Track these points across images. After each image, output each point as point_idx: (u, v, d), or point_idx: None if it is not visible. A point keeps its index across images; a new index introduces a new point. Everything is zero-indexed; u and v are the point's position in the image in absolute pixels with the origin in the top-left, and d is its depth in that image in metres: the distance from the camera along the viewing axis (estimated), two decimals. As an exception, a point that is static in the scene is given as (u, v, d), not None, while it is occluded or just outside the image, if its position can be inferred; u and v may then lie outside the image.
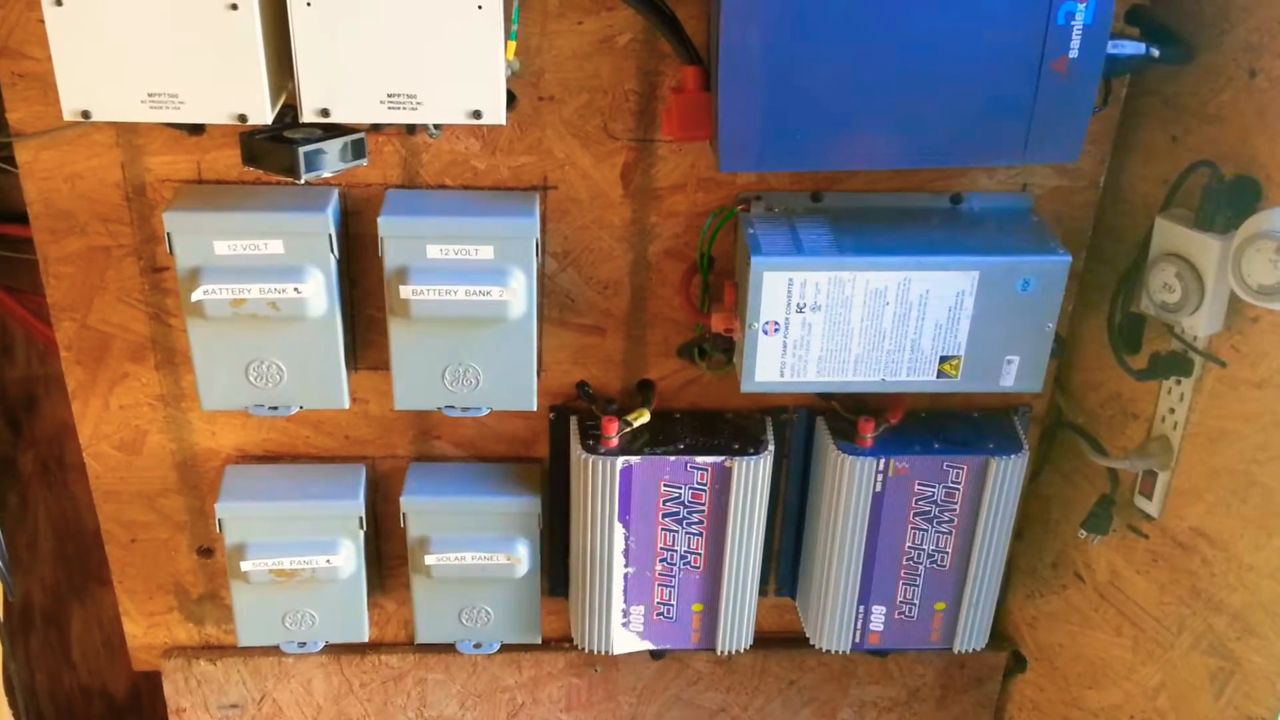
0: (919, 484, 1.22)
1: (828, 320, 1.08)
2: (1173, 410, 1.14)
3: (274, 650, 1.38)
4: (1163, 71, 1.10)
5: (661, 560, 1.26)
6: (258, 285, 1.06)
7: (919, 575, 1.28)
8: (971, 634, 1.31)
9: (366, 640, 1.34)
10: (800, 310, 1.08)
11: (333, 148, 1.02)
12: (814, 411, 1.27)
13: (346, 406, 1.16)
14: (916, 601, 1.29)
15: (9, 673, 1.37)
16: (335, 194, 1.11)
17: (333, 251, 1.08)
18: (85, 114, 0.93)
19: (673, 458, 1.20)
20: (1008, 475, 1.21)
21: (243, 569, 1.23)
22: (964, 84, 0.98)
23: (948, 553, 1.26)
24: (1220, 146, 1.05)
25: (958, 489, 1.23)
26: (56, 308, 1.18)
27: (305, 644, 1.33)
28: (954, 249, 1.09)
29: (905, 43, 0.96)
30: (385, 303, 1.10)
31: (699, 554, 1.26)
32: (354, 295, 1.18)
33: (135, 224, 1.14)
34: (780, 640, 1.46)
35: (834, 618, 1.29)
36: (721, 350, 1.18)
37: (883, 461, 1.21)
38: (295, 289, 1.07)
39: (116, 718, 1.82)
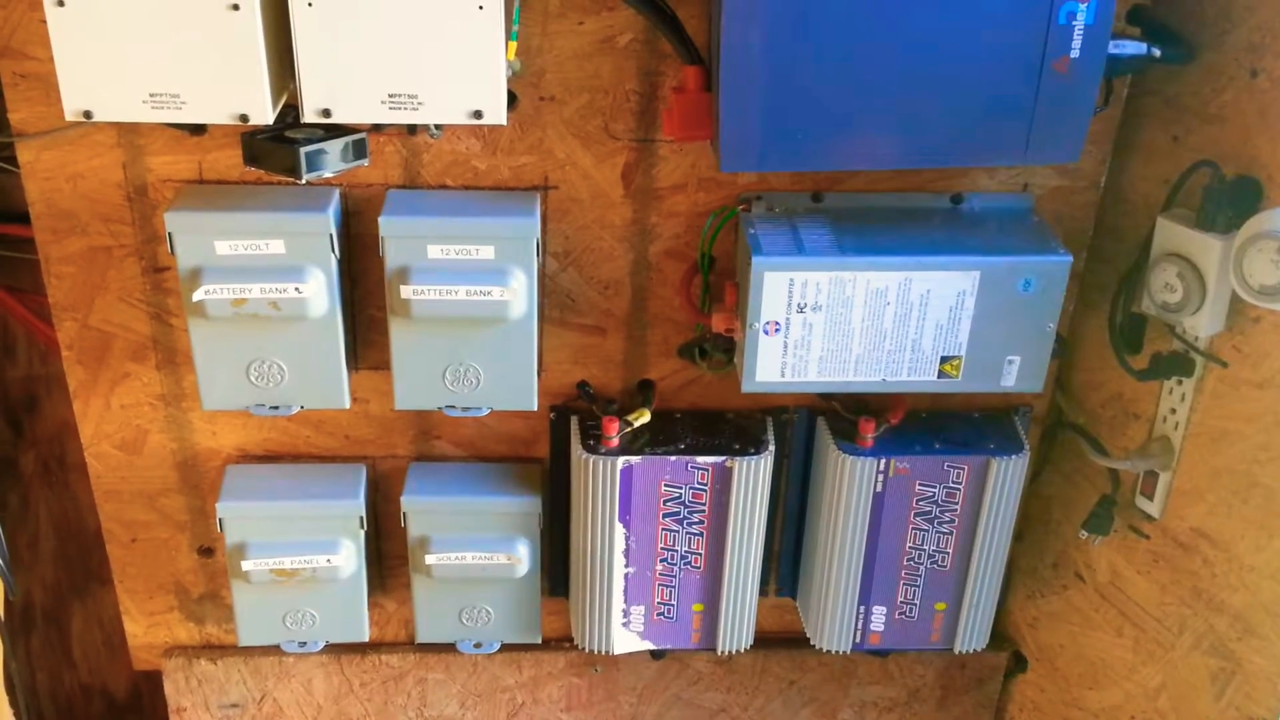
0: (920, 484, 1.22)
1: (828, 320, 1.08)
2: (1174, 410, 1.14)
3: (274, 650, 1.38)
4: (1164, 71, 1.10)
5: (662, 560, 1.26)
6: (259, 285, 1.06)
7: (920, 575, 1.28)
8: (972, 634, 1.31)
9: (367, 640, 1.34)
10: (801, 310, 1.08)
11: (334, 148, 1.02)
12: (815, 412, 1.27)
13: (347, 406, 1.16)
14: (917, 602, 1.29)
15: (10, 672, 1.37)
16: (336, 194, 1.11)
17: (334, 251, 1.08)
18: (87, 114, 0.93)
19: (673, 458, 1.20)
20: (1008, 475, 1.21)
21: (243, 568, 1.23)
22: (965, 84, 0.98)
23: (948, 553, 1.26)
24: (1222, 146, 1.05)
25: (958, 489, 1.23)
26: (58, 307, 1.18)
27: (306, 643, 1.33)
28: (955, 249, 1.09)
29: (906, 43, 0.96)
30: (386, 302, 1.10)
31: (699, 554, 1.26)
32: (355, 295, 1.18)
33: (137, 224, 1.14)
34: (781, 640, 1.46)
35: (834, 618, 1.29)
36: (722, 350, 1.18)
37: (883, 462, 1.21)
38: (296, 289, 1.07)
39: (117, 717, 1.82)
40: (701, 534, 1.25)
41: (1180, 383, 1.13)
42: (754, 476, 1.21)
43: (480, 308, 1.08)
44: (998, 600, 1.31)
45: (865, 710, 1.53)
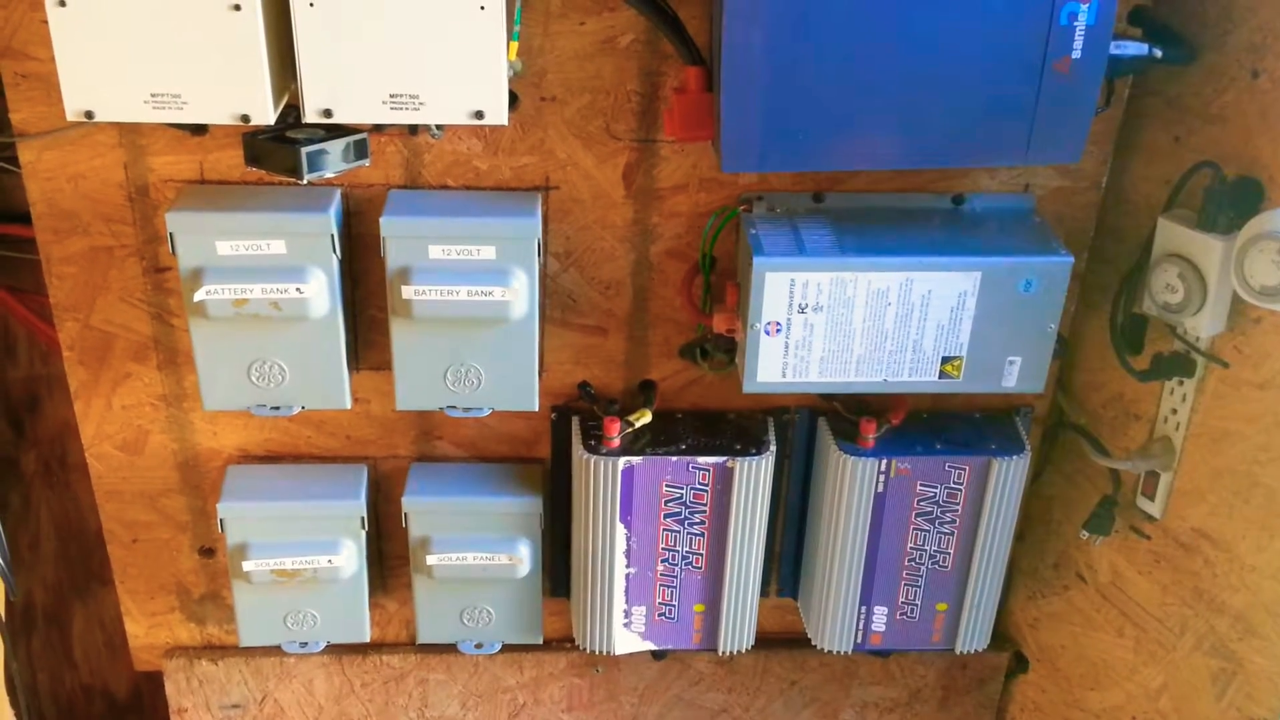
0: (921, 484, 1.22)
1: (830, 321, 1.08)
2: (1175, 411, 1.14)
3: (275, 650, 1.38)
4: (1165, 72, 1.10)
5: (663, 560, 1.26)
6: (260, 285, 1.06)
7: (921, 576, 1.28)
8: (973, 635, 1.31)
9: (368, 640, 1.34)
10: (802, 311, 1.08)
11: (335, 148, 1.02)
12: (816, 412, 1.27)
13: (348, 407, 1.16)
14: (918, 602, 1.29)
15: (11, 672, 1.37)
16: (337, 194, 1.11)
17: (335, 252, 1.08)
18: (88, 114, 0.93)
19: (674, 458, 1.20)
20: (1010, 476, 1.21)
21: (244, 569, 1.23)
22: (966, 85, 0.98)
23: (949, 553, 1.26)
24: (1223, 147, 1.05)
25: (959, 490, 1.23)
26: (59, 308, 1.18)
27: (307, 644, 1.33)
28: (956, 249, 1.09)
29: (907, 43, 0.96)
30: (387, 303, 1.10)
31: (701, 554, 1.26)
32: (356, 295, 1.18)
33: (138, 224, 1.14)
34: (782, 641, 1.46)
35: (836, 618, 1.29)
36: (723, 351, 1.18)
37: (884, 462, 1.21)
38: (297, 289, 1.07)
39: (118, 718, 1.82)
40: (703, 534, 1.25)
41: (1181, 383, 1.13)
42: (755, 477, 1.21)
43: (481, 308, 1.08)
44: (999, 601, 1.31)
45: (866, 711, 1.53)
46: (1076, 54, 0.96)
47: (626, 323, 1.23)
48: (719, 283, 1.17)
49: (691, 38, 1.04)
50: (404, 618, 1.41)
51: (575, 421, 1.24)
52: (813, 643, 1.33)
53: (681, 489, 1.22)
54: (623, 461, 1.19)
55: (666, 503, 1.23)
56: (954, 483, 1.22)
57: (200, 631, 1.41)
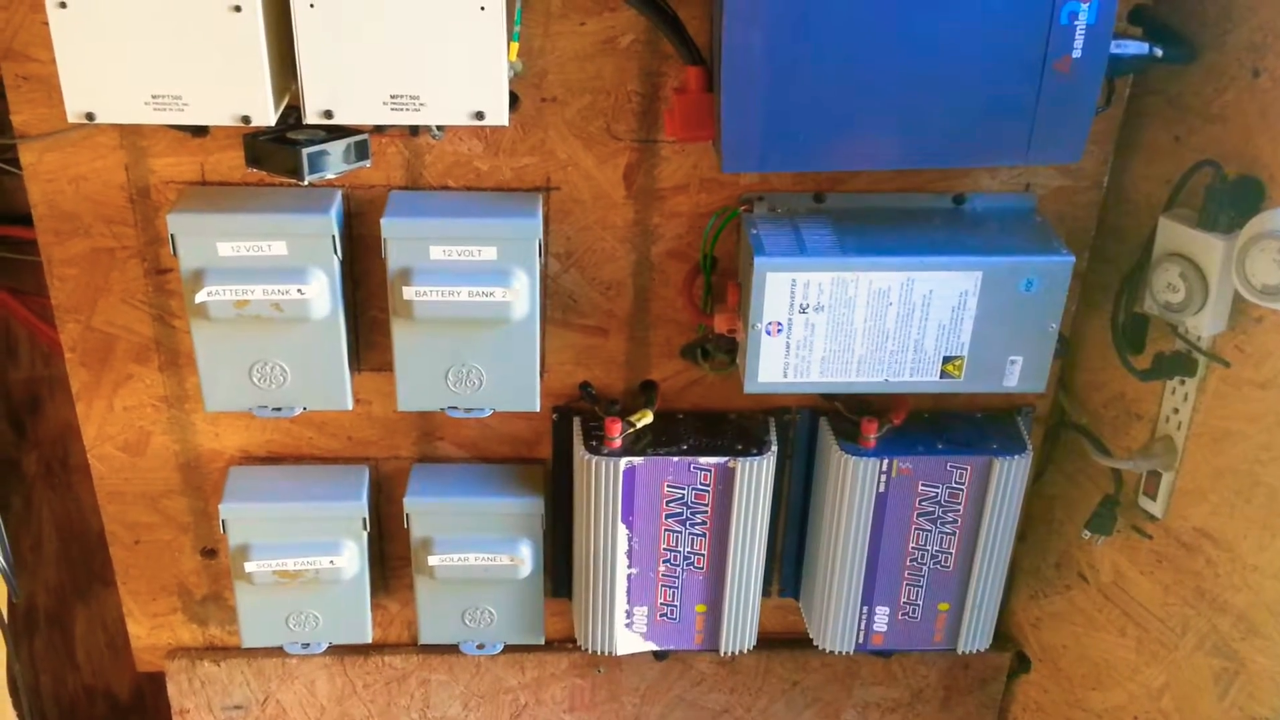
0: (922, 484, 1.22)
1: (831, 321, 1.08)
2: (1176, 410, 1.14)
3: (278, 651, 1.38)
4: (1166, 71, 1.10)
5: (665, 561, 1.26)
6: (261, 287, 1.06)
7: (922, 576, 1.28)
8: (975, 635, 1.31)
9: (370, 641, 1.34)
10: (803, 311, 1.08)
11: (336, 149, 1.02)
12: (817, 412, 1.27)
13: (350, 408, 1.16)
14: (920, 602, 1.29)
15: (13, 674, 1.37)
16: (338, 195, 1.11)
17: (336, 253, 1.08)
18: (89, 116, 0.93)
19: (676, 458, 1.20)
20: (1011, 476, 1.21)
21: (246, 570, 1.23)
22: (966, 84, 0.98)
23: (951, 553, 1.26)
24: (1224, 146, 1.05)
25: (961, 489, 1.23)
26: (60, 309, 1.18)
27: (309, 645, 1.33)
28: (957, 249, 1.09)
29: (907, 43, 0.96)
30: (388, 304, 1.10)
31: (702, 555, 1.26)
32: (357, 296, 1.18)
33: (139, 226, 1.14)
34: (784, 641, 1.46)
35: (837, 618, 1.29)
36: (724, 351, 1.18)
37: (886, 462, 1.21)
38: (299, 290, 1.07)
39: (120, 719, 1.82)
40: (704, 535, 1.25)
41: (1183, 382, 1.13)
42: (756, 477, 1.21)
43: (482, 309, 1.08)
44: (1001, 601, 1.31)
45: (868, 711, 1.53)
46: (1077, 53, 0.96)
47: (627, 323, 1.23)
48: (720, 283, 1.17)
49: (691, 38, 1.04)
50: (406, 618, 1.41)
51: (576, 422, 1.24)
52: (814, 643, 1.33)
53: (683, 489, 1.22)
54: (624, 462, 1.19)
55: (668, 503, 1.23)
56: (955, 482, 1.22)
57: (202, 632, 1.41)
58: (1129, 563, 1.24)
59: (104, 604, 1.71)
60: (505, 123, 0.97)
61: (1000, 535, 1.25)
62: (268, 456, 1.28)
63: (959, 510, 1.24)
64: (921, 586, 1.28)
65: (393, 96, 0.95)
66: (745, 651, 1.33)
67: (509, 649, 1.40)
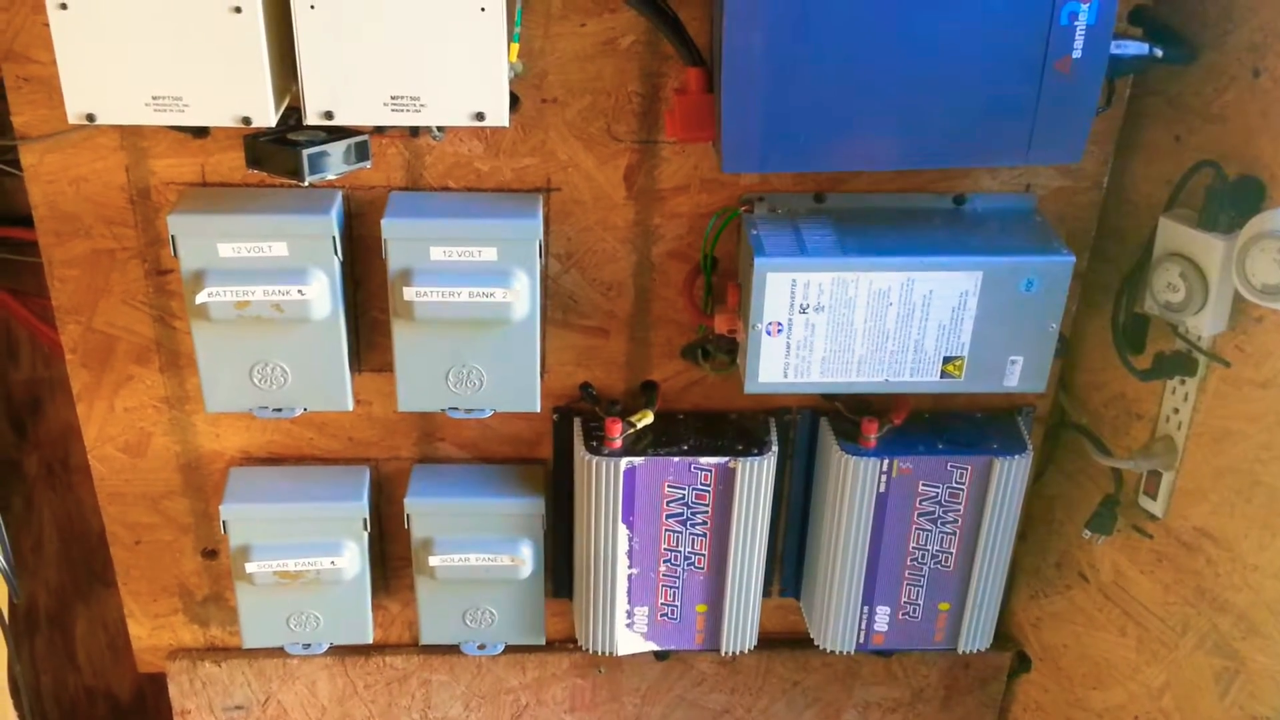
0: (923, 484, 1.22)
1: (831, 321, 1.08)
2: (1177, 410, 1.14)
3: (279, 652, 1.38)
4: (1166, 71, 1.10)
5: (665, 561, 1.26)
6: (262, 287, 1.06)
7: (923, 576, 1.28)
8: (976, 634, 1.31)
9: (371, 642, 1.34)
10: (804, 311, 1.08)
11: (336, 150, 1.02)
12: (818, 412, 1.27)
13: (350, 408, 1.16)
14: (920, 602, 1.29)
15: (14, 674, 1.37)
16: (339, 196, 1.11)
17: (336, 254, 1.08)
18: (90, 117, 0.93)
19: (676, 459, 1.21)
20: (1012, 476, 1.21)
21: (247, 571, 1.23)
22: (967, 85, 0.98)
23: (952, 553, 1.26)
24: (1224, 146, 1.05)
25: (962, 489, 1.23)
26: (61, 310, 1.18)
27: (310, 645, 1.33)
28: (957, 249, 1.09)
29: (908, 44, 0.96)
30: (389, 304, 1.10)
31: (703, 555, 1.26)
32: (358, 297, 1.18)
33: (140, 227, 1.14)
34: (784, 641, 1.46)
35: (838, 618, 1.29)
36: (725, 351, 1.18)
37: (886, 462, 1.21)
38: (299, 291, 1.07)
39: (121, 719, 1.82)
40: (705, 535, 1.25)
41: (1183, 382, 1.13)
42: (757, 477, 1.21)
43: (483, 309, 1.08)
44: (1001, 600, 1.31)
45: (869, 711, 1.53)
46: (1077, 54, 0.96)
47: (628, 324, 1.23)
48: (720, 283, 1.17)
49: (692, 39, 1.04)
50: (407, 619, 1.41)
51: (577, 422, 1.24)
52: (815, 643, 1.33)
53: (683, 489, 1.22)
54: (625, 462, 1.19)
55: (668, 503, 1.23)
56: (956, 482, 1.22)
57: (203, 633, 1.41)
58: (1129, 562, 1.24)
59: (105, 605, 1.71)
60: (506, 123, 0.97)
61: (1000, 535, 1.25)
62: (268, 457, 1.28)
63: (959, 510, 1.24)
64: (922, 586, 1.28)
65: (393, 97, 0.95)
66: (746, 651, 1.33)
67: (510, 649, 1.40)
